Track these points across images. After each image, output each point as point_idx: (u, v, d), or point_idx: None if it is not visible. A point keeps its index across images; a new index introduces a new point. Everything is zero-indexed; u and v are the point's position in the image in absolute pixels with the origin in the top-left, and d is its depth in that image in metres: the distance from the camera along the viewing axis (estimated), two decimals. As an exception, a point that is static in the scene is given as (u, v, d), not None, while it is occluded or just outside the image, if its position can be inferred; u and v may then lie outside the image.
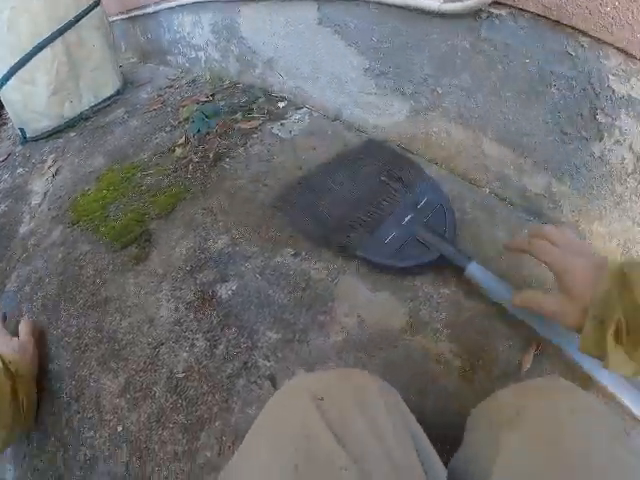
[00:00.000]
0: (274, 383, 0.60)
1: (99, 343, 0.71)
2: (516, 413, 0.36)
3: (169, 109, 1.31)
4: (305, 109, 1.12)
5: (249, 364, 0.62)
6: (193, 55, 1.50)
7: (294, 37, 1.02)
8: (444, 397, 0.55)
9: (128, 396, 0.63)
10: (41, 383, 0.70)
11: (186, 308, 0.71)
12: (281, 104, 1.16)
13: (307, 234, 0.76)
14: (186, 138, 1.11)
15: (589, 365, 0.52)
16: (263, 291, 0.70)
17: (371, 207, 0.75)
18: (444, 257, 0.65)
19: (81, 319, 0.75)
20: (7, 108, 1.38)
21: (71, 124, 1.40)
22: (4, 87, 1.28)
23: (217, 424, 0.58)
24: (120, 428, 0.61)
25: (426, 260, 0.65)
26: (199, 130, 1.11)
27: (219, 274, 0.75)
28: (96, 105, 1.46)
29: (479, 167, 0.80)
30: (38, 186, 1.17)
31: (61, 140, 1.34)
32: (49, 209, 1.05)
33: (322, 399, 0.33)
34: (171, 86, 1.49)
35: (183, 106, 1.28)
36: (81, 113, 1.42)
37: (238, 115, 1.15)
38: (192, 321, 0.69)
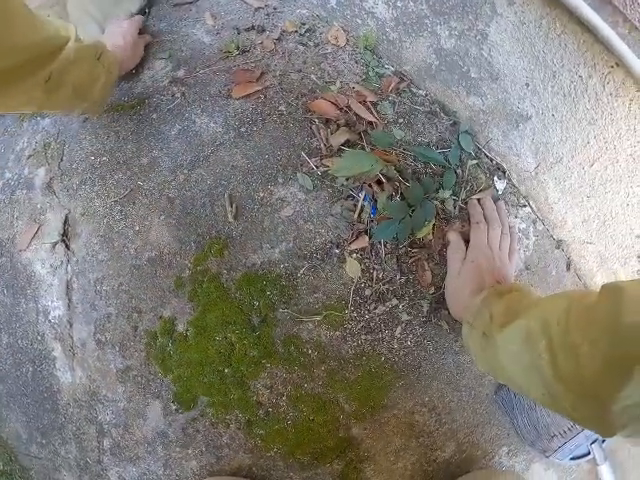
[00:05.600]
0: None
1: None
2: None
3: (283, 106, 0.65)
4: (528, 210, 0.73)
5: None
6: None
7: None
8: None
9: None
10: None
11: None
12: (499, 183, 0.71)
13: (519, 431, 0.76)
14: (372, 245, 0.62)
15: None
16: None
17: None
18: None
19: None
20: None
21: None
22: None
23: None
24: None
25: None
26: (396, 237, 0.63)
27: (448, 485, 0.73)
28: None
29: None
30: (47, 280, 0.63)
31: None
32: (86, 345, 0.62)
33: None
34: (262, 32, 0.68)
35: (327, 124, 0.64)
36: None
37: (445, 195, 0.66)
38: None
